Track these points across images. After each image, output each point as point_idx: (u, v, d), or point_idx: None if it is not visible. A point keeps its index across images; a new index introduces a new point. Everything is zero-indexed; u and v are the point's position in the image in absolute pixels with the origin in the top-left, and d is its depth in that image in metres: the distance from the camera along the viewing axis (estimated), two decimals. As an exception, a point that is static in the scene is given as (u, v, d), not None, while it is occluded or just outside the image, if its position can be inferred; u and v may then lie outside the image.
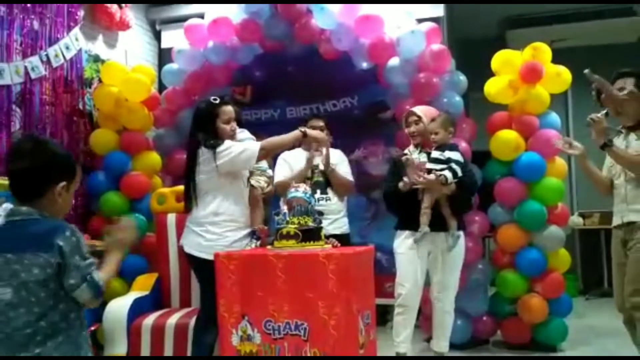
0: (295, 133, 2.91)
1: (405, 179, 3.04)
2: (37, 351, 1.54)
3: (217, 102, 2.87)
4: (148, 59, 5.35)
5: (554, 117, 3.97)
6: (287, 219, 2.58)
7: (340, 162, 3.44)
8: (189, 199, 2.85)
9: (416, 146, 3.21)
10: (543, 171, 3.78)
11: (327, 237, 3.10)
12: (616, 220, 2.73)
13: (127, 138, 4.35)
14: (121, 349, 3.14)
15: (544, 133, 3.86)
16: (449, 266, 3.13)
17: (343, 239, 3.11)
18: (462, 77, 4.10)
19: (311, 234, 2.54)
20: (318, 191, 3.31)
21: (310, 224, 2.56)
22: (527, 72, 3.78)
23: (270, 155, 3.06)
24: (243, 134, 3.12)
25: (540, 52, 3.87)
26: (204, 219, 2.80)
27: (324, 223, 3.30)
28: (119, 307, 3.22)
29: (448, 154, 3.02)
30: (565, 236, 3.89)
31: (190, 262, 2.88)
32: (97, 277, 1.62)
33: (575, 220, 6.02)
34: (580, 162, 2.87)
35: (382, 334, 3.36)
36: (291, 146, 3.50)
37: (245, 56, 4.56)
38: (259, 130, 4.63)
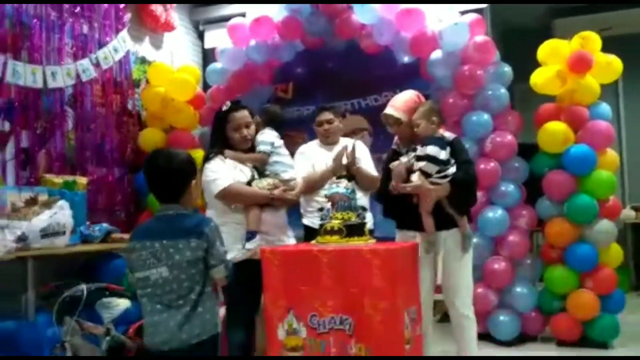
0: (264, 194, 2.76)
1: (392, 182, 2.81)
2: (186, 327, 1.94)
3: (227, 108, 2.82)
4: (193, 59, 5.46)
5: (605, 108, 3.84)
6: (331, 214, 2.60)
7: (363, 156, 3.30)
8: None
9: (405, 144, 2.93)
10: (593, 163, 3.66)
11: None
12: None
13: (174, 136, 4.46)
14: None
15: (594, 124, 3.75)
16: (457, 265, 2.83)
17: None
18: (507, 69, 4.01)
19: (355, 229, 2.55)
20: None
21: (354, 219, 2.56)
22: (575, 61, 3.67)
23: (236, 202, 2.75)
24: (264, 135, 2.94)
25: (590, 41, 3.76)
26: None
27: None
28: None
29: (427, 149, 2.72)
30: (617, 230, 3.77)
31: None
32: (230, 261, 2.05)
33: (628, 213, 5.80)
34: None
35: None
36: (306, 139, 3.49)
37: (287, 53, 4.60)
38: (300, 126, 4.70)
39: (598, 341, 3.67)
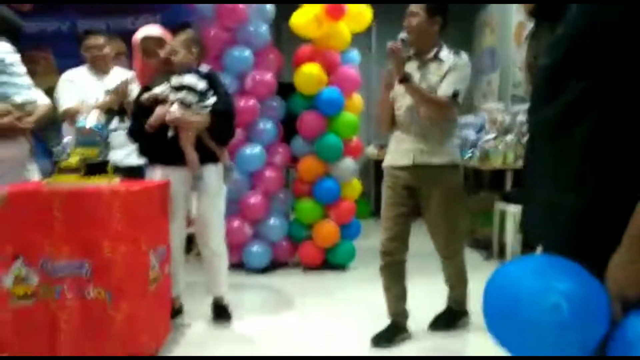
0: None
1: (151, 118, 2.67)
2: None
3: None
4: None
5: (355, 55, 4.16)
6: (68, 150, 2.36)
7: (134, 85, 3.10)
8: None
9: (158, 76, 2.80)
10: (341, 106, 3.97)
11: (121, 169, 2.95)
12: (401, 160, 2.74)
13: None
14: None
15: (344, 69, 4.03)
16: (214, 201, 2.85)
17: (138, 172, 3.00)
18: (270, 6, 4.02)
19: (96, 168, 2.37)
20: (115, 120, 3.05)
21: (95, 156, 2.37)
22: (330, 8, 3.84)
23: None
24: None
25: (345, -12, 3.95)
26: None
27: (120, 154, 3.12)
28: None
29: (185, 79, 2.66)
30: (357, 168, 4.20)
31: None
32: None
33: (372, 151, 6.55)
34: (384, 93, 2.75)
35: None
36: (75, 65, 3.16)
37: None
38: (42, 43, 4.12)
39: (338, 265, 4.13)
